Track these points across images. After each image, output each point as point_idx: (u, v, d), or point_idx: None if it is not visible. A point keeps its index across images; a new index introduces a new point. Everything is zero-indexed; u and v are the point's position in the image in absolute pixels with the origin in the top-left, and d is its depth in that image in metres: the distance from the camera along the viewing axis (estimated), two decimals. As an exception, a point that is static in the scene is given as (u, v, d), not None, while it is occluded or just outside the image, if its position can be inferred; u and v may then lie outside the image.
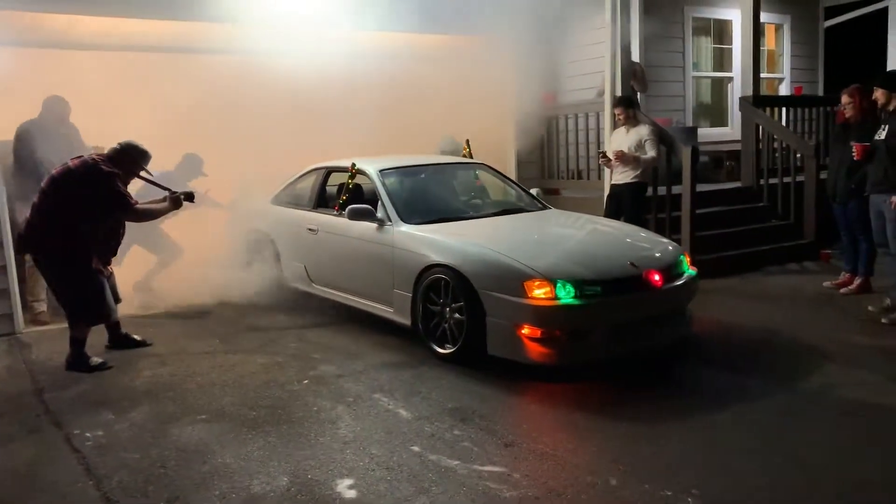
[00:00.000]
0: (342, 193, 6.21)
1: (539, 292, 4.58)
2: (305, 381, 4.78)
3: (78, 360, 5.10)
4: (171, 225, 6.83)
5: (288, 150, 7.15)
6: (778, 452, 3.62)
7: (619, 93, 7.96)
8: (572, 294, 4.59)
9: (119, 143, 5.17)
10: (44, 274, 5.20)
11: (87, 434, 4.02)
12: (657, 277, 4.90)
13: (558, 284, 4.59)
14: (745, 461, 3.54)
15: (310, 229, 6.40)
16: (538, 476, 3.42)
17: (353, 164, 6.16)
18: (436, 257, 5.11)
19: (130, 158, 5.16)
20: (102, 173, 4.95)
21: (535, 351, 4.62)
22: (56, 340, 5.68)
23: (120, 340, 5.56)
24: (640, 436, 3.84)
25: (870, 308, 6.11)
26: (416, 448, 3.74)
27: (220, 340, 5.76)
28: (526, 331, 4.61)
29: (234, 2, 6.87)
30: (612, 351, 4.77)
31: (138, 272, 6.92)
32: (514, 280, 4.66)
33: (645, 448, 3.69)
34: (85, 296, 5.08)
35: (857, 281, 6.81)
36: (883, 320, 5.78)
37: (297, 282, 6.70)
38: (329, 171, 6.68)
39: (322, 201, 6.59)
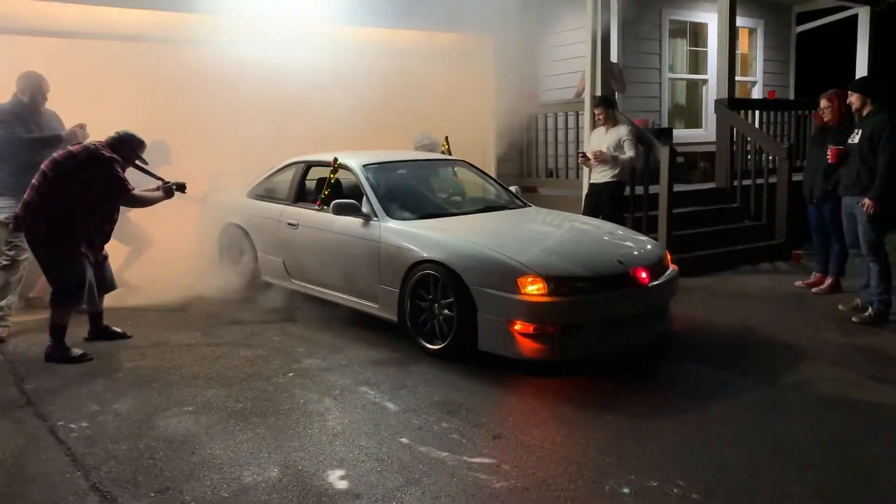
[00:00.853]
0: (324, 188, 6.18)
1: (532, 288, 4.64)
2: (290, 374, 4.78)
3: (58, 351, 5.05)
4: (142, 215, 6.69)
5: (261, 143, 7.11)
6: (760, 445, 3.72)
7: (598, 93, 8.05)
8: (564, 290, 4.65)
9: (117, 132, 5.29)
10: (34, 255, 5.20)
11: (72, 426, 3.98)
12: (644, 275, 4.99)
13: (551, 280, 4.64)
14: (728, 454, 3.63)
15: (289, 224, 6.35)
16: (527, 467, 3.47)
17: (336, 159, 6.14)
18: (426, 253, 5.12)
19: (129, 147, 5.30)
20: (104, 158, 5.09)
21: (528, 347, 4.67)
22: (34, 332, 5.61)
23: (100, 332, 5.52)
24: (625, 429, 3.91)
25: (841, 307, 6.27)
26: (404, 440, 3.77)
27: (201, 333, 5.73)
28: (518, 326, 4.65)
29: None
30: (603, 347, 4.85)
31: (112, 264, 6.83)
32: (508, 276, 4.71)
33: (631, 440, 3.76)
34: (65, 280, 5.08)
35: (828, 281, 6.98)
36: (853, 319, 5.94)
37: (274, 277, 6.62)
38: (309, 166, 6.61)
39: (302, 196, 6.52)
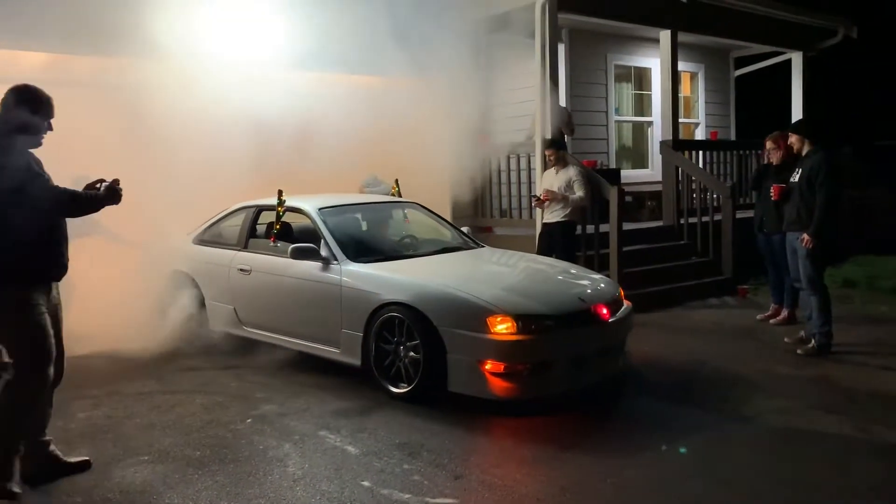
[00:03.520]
0: (276, 223, 6.15)
1: (502, 327, 4.70)
2: (249, 421, 4.73)
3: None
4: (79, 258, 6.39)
5: (203, 189, 6.89)
6: (714, 477, 3.82)
7: (548, 135, 8.27)
8: (533, 328, 4.74)
9: None
10: None
11: (24, 479, 3.87)
12: (605, 311, 5.12)
13: (519, 319, 4.72)
14: (684, 486, 3.72)
15: (241, 269, 6.24)
16: (489, 506, 3.50)
17: (281, 192, 6.09)
18: (391, 296, 5.13)
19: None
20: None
21: (499, 386, 4.71)
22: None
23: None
24: (585, 465, 3.97)
25: (786, 339, 6.48)
26: (366, 483, 3.77)
27: (155, 381, 5.63)
28: (489, 366, 4.70)
29: (150, 36, 6.59)
30: (570, 384, 4.95)
31: None
32: (477, 316, 4.76)
33: (590, 477, 3.82)
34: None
35: (784, 313, 7.22)
36: (798, 351, 6.14)
37: (224, 325, 6.44)
38: (260, 210, 6.51)
39: (254, 241, 6.42)
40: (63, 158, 5.97)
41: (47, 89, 4.02)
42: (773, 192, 6.66)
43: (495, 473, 3.88)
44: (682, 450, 4.16)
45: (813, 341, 6.13)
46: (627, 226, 8.73)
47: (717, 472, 3.87)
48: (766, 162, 7.30)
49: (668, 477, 3.81)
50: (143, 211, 6.69)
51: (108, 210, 6.35)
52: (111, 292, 6.52)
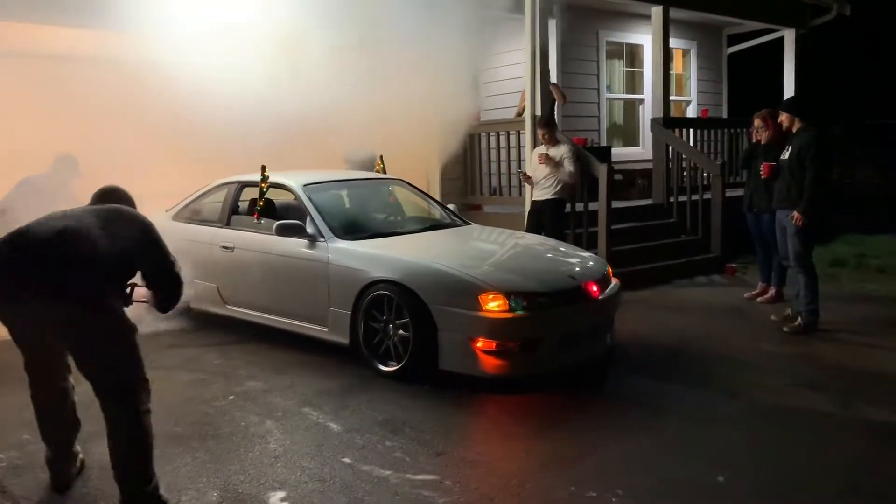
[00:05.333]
0: (259, 199, 6.07)
1: (493, 305, 4.67)
2: (231, 397, 4.70)
3: None
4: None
5: (181, 165, 6.81)
6: (697, 453, 3.81)
7: (538, 112, 8.20)
8: (524, 306, 4.71)
9: None
10: None
11: (1, 455, 3.85)
12: (595, 288, 5.10)
13: (511, 297, 4.69)
14: (667, 462, 3.71)
15: (224, 247, 6.16)
16: (469, 482, 3.48)
17: (264, 167, 6.01)
18: (380, 273, 5.07)
19: None
20: None
21: (490, 364, 4.69)
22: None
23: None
24: (566, 441, 3.96)
25: (773, 318, 6.47)
26: (347, 460, 3.75)
27: (139, 358, 5.59)
28: (480, 344, 4.67)
29: (128, 9, 6.52)
30: (561, 361, 4.93)
31: None
32: (468, 294, 4.73)
33: (571, 452, 3.81)
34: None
35: (771, 291, 7.20)
36: (784, 329, 6.13)
37: (206, 304, 6.36)
38: (242, 186, 6.41)
39: (237, 217, 6.33)
40: (43, 135, 5.93)
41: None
42: (763, 170, 6.63)
43: (477, 450, 3.87)
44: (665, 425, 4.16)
45: (799, 319, 6.12)
46: (617, 204, 8.69)
47: (698, 449, 3.86)
48: (754, 140, 7.25)
49: (649, 454, 3.80)
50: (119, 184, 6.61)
51: (83, 185, 6.32)
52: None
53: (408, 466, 3.66)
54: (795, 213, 6.01)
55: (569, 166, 7.47)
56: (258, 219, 6.03)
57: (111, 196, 3.64)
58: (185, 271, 3.72)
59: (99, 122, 6.80)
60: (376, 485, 3.47)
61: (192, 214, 6.71)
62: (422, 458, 3.75)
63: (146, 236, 3.44)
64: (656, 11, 9.58)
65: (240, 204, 6.46)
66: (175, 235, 6.53)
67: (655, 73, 9.76)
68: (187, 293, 5.67)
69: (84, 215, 3.37)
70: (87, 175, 6.75)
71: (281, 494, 3.39)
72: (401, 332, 4.94)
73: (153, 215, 6.69)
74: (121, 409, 3.23)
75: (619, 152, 10.83)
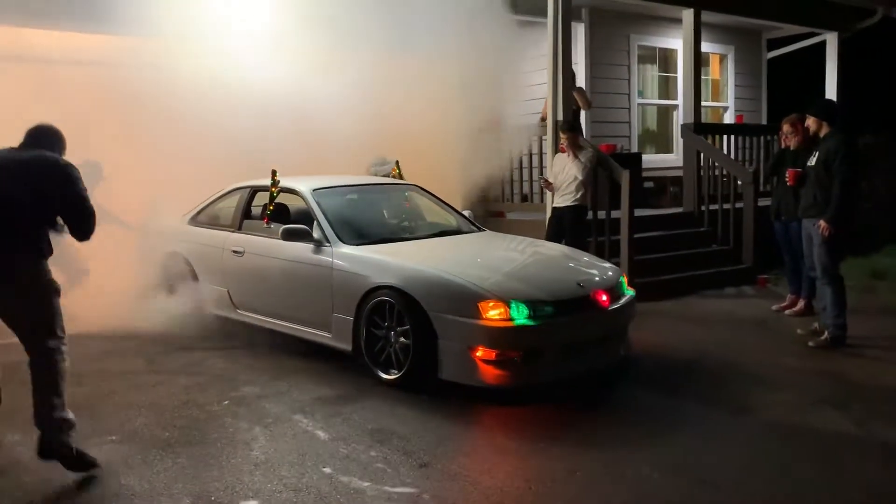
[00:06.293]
0: (269, 203, 6.04)
1: (493, 313, 4.54)
2: (226, 402, 4.65)
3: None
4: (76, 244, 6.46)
5: (202, 169, 6.84)
6: (693, 472, 3.61)
7: (559, 118, 8.03)
8: (526, 314, 4.56)
9: None
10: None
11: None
12: (604, 298, 4.92)
13: (512, 305, 4.55)
14: (658, 480, 3.52)
15: (234, 251, 6.13)
16: (447, 497, 3.35)
17: (275, 172, 5.97)
18: (382, 279, 4.98)
19: None
20: None
21: (490, 373, 4.55)
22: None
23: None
24: (556, 457, 3.79)
25: (799, 331, 6.18)
26: (327, 470, 3.65)
27: (144, 361, 5.59)
28: (480, 353, 4.53)
29: (146, 15, 6.58)
30: (564, 371, 4.76)
31: None
32: (468, 301, 4.60)
33: (560, 468, 3.65)
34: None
35: (801, 303, 6.90)
36: (810, 343, 5.84)
37: (218, 308, 6.33)
38: (255, 191, 6.37)
39: (248, 222, 6.29)
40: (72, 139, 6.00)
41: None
42: (788, 176, 6.34)
43: (462, 463, 3.73)
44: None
45: (826, 333, 5.83)
46: (647, 212, 8.47)
47: (698, 470, 3.65)
48: (783, 146, 6.97)
49: (642, 474, 3.61)
50: (139, 191, 6.68)
51: (105, 189, 6.36)
52: (107, 272, 6.53)
53: (388, 478, 3.54)
54: (822, 222, 5.73)
55: (578, 174, 7.29)
56: (268, 223, 6.00)
57: (41, 136, 3.87)
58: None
59: (119, 127, 6.90)
60: (351, 497, 3.36)
61: (206, 218, 6.74)
62: (403, 470, 3.63)
63: (66, 183, 3.69)
64: (687, 14, 9.31)
65: (252, 208, 6.43)
66: (190, 239, 6.64)
67: (686, 78, 9.49)
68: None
69: (8, 162, 3.66)
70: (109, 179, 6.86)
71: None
72: (402, 339, 4.83)
73: (171, 219, 6.83)
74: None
75: (651, 159, 10.58)
